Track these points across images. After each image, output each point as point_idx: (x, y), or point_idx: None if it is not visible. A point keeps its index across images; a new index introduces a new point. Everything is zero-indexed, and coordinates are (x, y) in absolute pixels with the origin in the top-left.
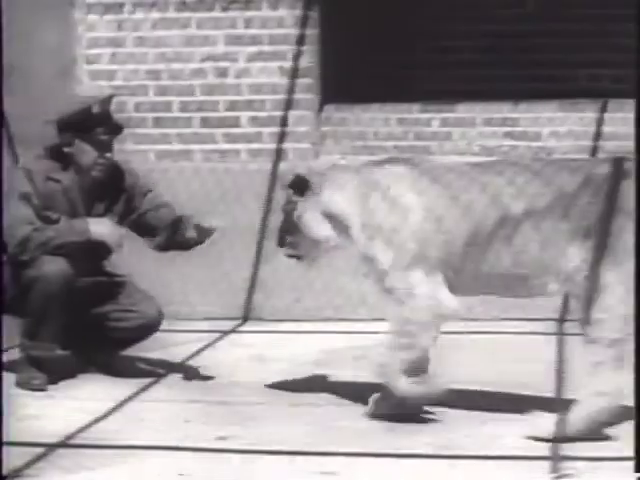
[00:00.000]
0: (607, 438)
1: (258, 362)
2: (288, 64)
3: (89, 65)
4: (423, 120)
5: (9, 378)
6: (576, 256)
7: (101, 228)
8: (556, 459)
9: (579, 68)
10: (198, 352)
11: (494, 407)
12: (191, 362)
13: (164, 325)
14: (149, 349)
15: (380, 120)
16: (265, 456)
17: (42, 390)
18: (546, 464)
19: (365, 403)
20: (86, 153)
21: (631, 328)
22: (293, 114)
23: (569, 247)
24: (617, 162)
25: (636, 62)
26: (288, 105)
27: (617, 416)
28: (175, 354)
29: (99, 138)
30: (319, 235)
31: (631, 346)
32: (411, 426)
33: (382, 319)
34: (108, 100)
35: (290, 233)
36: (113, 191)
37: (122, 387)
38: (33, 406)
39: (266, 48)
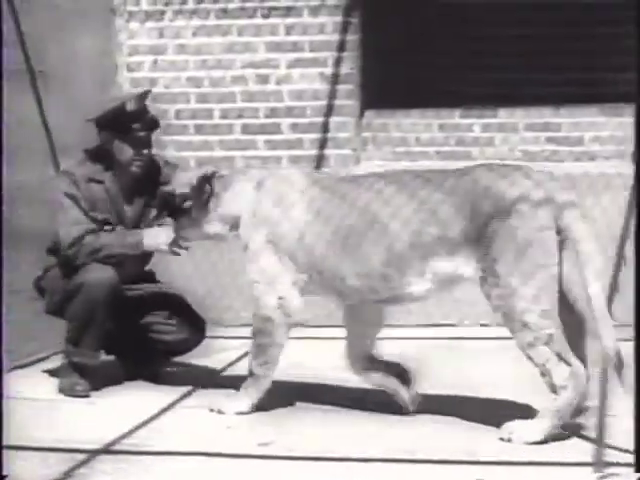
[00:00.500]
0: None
1: (298, 368)
2: (329, 70)
3: (130, 73)
4: (464, 125)
5: (54, 384)
6: (449, 260)
7: (155, 240)
8: (599, 464)
9: (619, 72)
10: (240, 359)
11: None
12: (234, 368)
13: (208, 331)
14: (192, 356)
15: (421, 126)
16: (306, 462)
17: (85, 396)
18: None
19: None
20: (124, 150)
21: (554, 320)
22: (334, 120)
23: (440, 251)
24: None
25: (636, 64)
26: (329, 111)
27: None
28: (218, 361)
29: (136, 135)
30: (213, 232)
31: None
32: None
33: (428, 324)
34: (143, 96)
35: (184, 228)
36: (151, 186)
37: (164, 394)
38: (75, 412)
39: (307, 55)
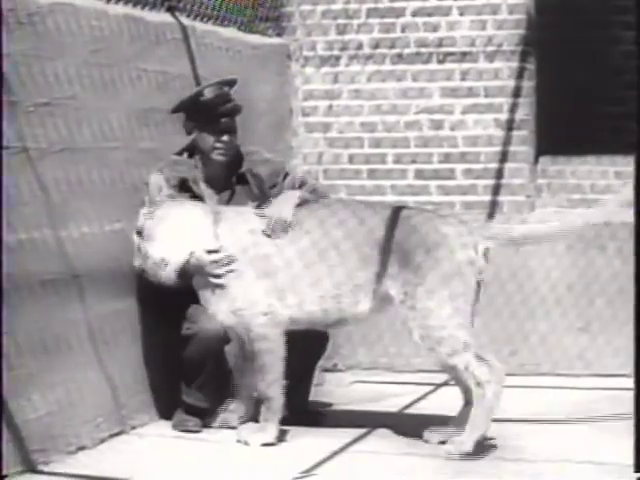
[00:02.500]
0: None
1: None
2: (504, 116)
3: (304, 117)
4: None
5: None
6: (391, 282)
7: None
8: None
9: None
10: (412, 404)
11: None
12: (405, 414)
13: (379, 376)
14: (362, 400)
15: (597, 173)
16: None
17: (197, 432)
18: None
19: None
20: (205, 139)
21: (468, 330)
22: (508, 166)
23: (384, 273)
24: (395, 210)
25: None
26: (503, 157)
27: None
28: (389, 405)
29: (216, 122)
30: None
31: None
32: None
33: (600, 374)
34: (222, 84)
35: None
36: (237, 174)
37: (334, 438)
38: (246, 453)
39: (482, 100)
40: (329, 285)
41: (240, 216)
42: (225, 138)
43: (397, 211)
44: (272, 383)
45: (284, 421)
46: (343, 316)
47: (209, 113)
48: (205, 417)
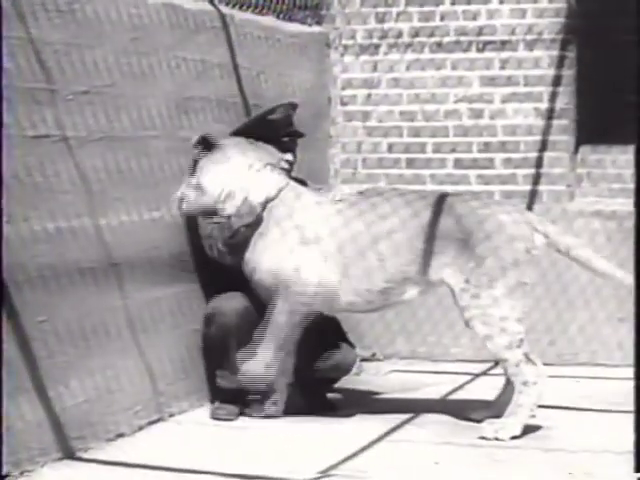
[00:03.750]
0: None
1: None
2: (544, 105)
3: (343, 106)
4: None
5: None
6: (448, 270)
7: None
8: None
9: None
10: (449, 394)
11: None
12: (444, 403)
13: (417, 366)
14: (400, 389)
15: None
16: None
17: (229, 420)
18: None
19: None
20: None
21: (523, 327)
22: (548, 155)
23: (432, 262)
24: (440, 198)
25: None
26: (543, 147)
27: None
28: (427, 394)
29: (277, 142)
30: None
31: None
32: None
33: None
34: (286, 107)
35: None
36: None
37: (371, 427)
38: (291, 440)
39: (521, 89)
40: (379, 280)
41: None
42: (289, 157)
43: (446, 198)
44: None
45: (299, 409)
46: (386, 304)
47: (274, 132)
48: (243, 401)
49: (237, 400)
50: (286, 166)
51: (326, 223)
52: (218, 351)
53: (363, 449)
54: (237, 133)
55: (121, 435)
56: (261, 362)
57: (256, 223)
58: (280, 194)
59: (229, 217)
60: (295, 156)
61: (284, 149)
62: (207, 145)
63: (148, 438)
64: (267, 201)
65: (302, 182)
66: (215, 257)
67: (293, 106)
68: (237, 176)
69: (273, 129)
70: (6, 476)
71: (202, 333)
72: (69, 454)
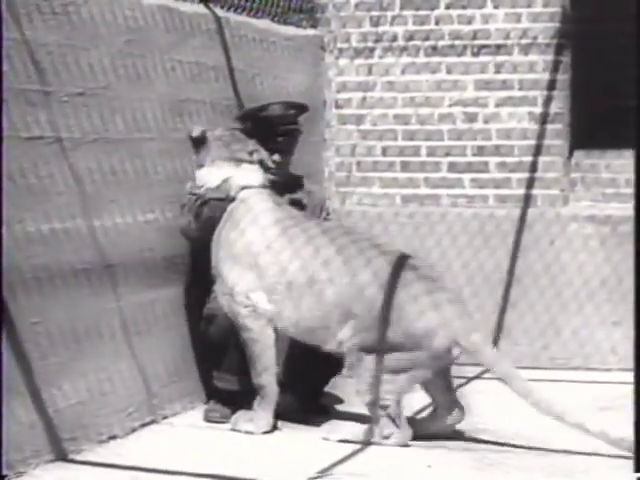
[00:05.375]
0: None
1: (503, 409)
2: (538, 110)
3: (338, 109)
4: None
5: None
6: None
7: None
8: None
9: None
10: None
11: None
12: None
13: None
14: None
15: (632, 166)
16: None
17: (222, 422)
18: None
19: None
20: (260, 153)
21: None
22: (542, 160)
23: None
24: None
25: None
26: (537, 151)
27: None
28: (419, 397)
29: (274, 140)
30: None
31: None
32: None
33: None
34: (289, 105)
35: None
36: (292, 199)
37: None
38: (284, 443)
39: (516, 93)
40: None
41: (274, 204)
42: (276, 157)
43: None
44: (262, 372)
45: (292, 413)
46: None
47: (269, 130)
48: (239, 403)
49: (232, 402)
50: (270, 165)
51: (265, 241)
52: (216, 351)
53: (355, 452)
54: (240, 119)
55: (114, 437)
56: None
57: (227, 203)
58: (243, 192)
59: (206, 190)
60: (290, 155)
61: (277, 148)
62: (203, 140)
63: (141, 440)
64: (242, 189)
65: (298, 178)
66: (182, 230)
67: (292, 105)
68: (220, 165)
69: (266, 126)
70: (6, 476)
71: (201, 333)
72: (62, 456)
